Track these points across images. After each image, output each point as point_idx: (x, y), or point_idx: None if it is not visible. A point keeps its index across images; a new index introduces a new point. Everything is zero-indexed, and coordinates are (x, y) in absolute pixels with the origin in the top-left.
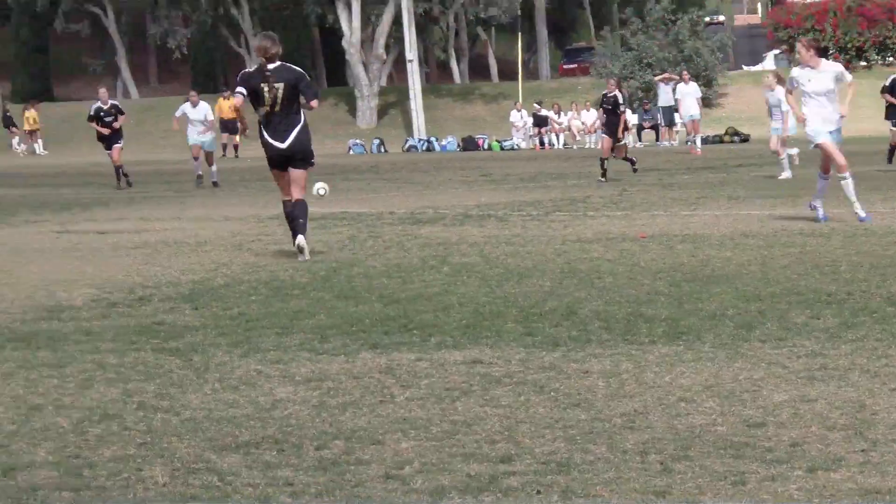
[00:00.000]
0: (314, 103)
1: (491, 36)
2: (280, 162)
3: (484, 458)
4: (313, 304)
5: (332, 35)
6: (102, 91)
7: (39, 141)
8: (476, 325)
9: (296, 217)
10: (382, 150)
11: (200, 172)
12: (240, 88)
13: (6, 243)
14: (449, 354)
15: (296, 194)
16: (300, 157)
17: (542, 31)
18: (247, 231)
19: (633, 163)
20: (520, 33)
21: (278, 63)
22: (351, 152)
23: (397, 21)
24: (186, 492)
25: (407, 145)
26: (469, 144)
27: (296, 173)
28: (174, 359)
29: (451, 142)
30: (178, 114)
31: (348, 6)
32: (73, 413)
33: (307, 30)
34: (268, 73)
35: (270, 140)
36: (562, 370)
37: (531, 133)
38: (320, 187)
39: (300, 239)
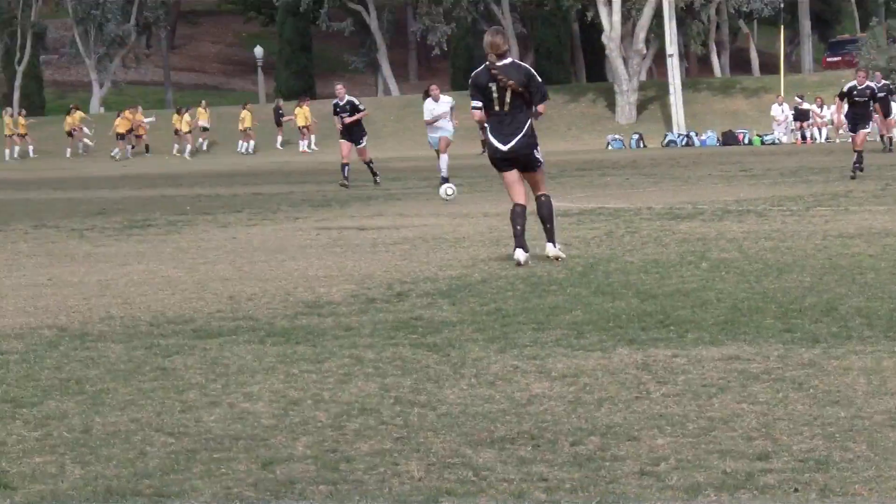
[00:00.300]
0: (542, 108)
1: (753, 29)
2: (503, 165)
3: (740, 455)
4: (570, 299)
5: (592, 30)
6: (339, 87)
7: (311, 137)
8: (734, 321)
9: (543, 219)
10: (641, 145)
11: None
12: (474, 102)
13: (268, 240)
14: (706, 350)
15: (541, 190)
16: (524, 160)
17: (806, 24)
18: (504, 227)
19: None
20: (782, 26)
21: (508, 60)
22: (609, 147)
23: (657, 15)
24: (441, 486)
25: (666, 140)
26: (729, 139)
27: (532, 177)
28: (431, 354)
29: (710, 136)
30: (428, 117)
31: (609, 1)
32: (331, 407)
33: (567, 25)
34: (495, 71)
35: (494, 141)
36: (821, 367)
37: (793, 127)
38: (448, 187)
39: (549, 248)
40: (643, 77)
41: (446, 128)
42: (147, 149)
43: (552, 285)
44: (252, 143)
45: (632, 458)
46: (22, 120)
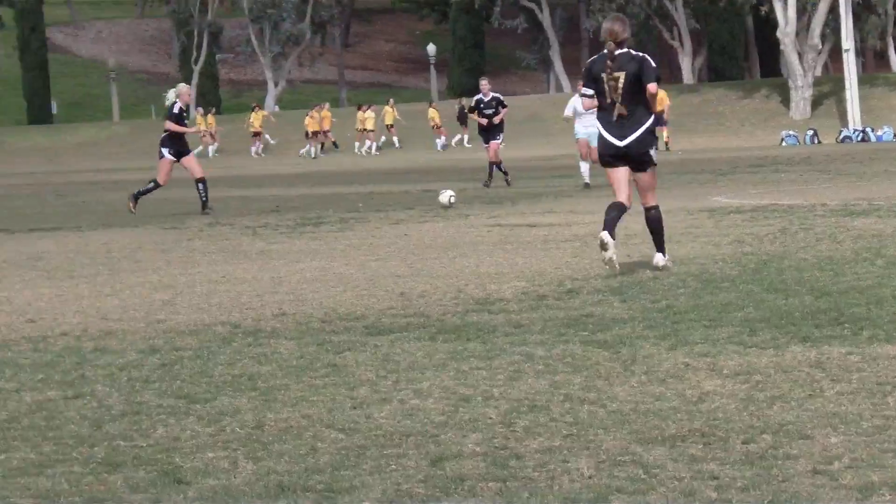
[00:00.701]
0: (651, 87)
1: None
2: (612, 161)
3: None
4: (742, 296)
5: (766, 25)
6: (484, 83)
7: (442, 137)
8: None
9: (652, 230)
10: (816, 140)
11: (587, 181)
12: (584, 90)
13: (439, 236)
14: (881, 348)
15: (649, 201)
16: (637, 159)
17: None
18: (675, 224)
19: None
20: None
21: (624, 50)
22: (783, 144)
23: (833, 10)
24: (611, 484)
25: (841, 136)
26: None
27: (643, 179)
28: (601, 351)
29: (887, 132)
30: (568, 112)
31: None
32: (501, 404)
33: (741, 20)
34: (609, 61)
35: (606, 135)
36: None
37: None
38: (451, 195)
39: (658, 258)
40: (818, 72)
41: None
42: (335, 145)
43: (724, 282)
44: (443, 138)
45: (804, 456)
46: (212, 119)
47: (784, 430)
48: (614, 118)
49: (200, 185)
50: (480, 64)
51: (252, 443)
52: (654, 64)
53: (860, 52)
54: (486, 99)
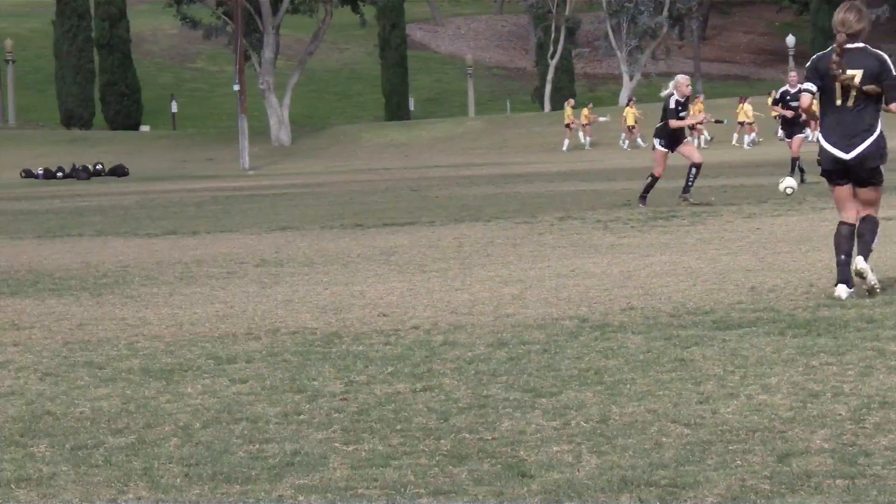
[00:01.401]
0: (894, 107)
1: None
2: (839, 175)
3: None
4: None
5: None
6: (793, 74)
7: (752, 135)
8: None
9: (861, 233)
10: None
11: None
12: (807, 85)
13: (792, 230)
14: None
15: (866, 211)
16: (866, 173)
17: None
18: None
19: None
20: None
21: (860, 45)
22: None
23: None
24: None
25: None
26: None
27: (866, 194)
28: None
29: None
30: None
31: None
32: (851, 400)
33: None
34: (837, 56)
35: (829, 147)
36: None
37: None
38: (788, 186)
39: (859, 262)
40: None
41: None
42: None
43: None
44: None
45: None
46: (586, 111)
47: None
48: (842, 122)
49: (693, 170)
50: None
51: (596, 437)
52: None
53: None
54: (792, 91)
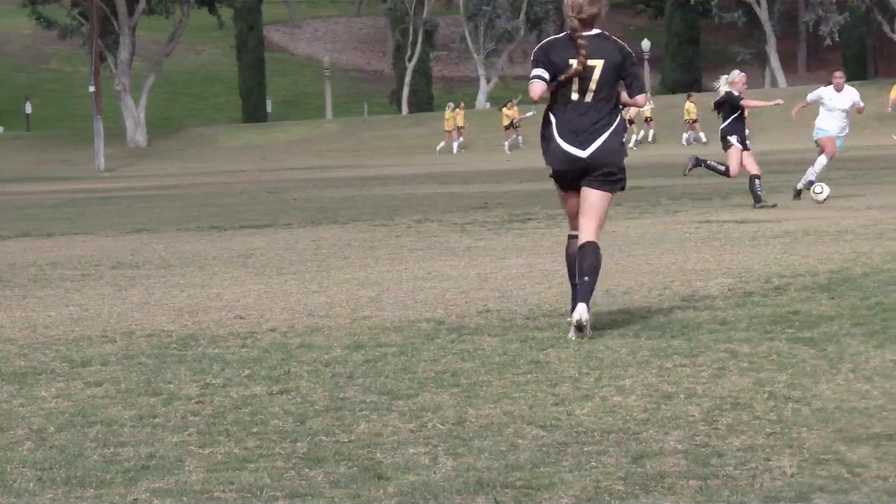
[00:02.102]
0: (641, 99)
1: None
2: (573, 176)
3: None
4: None
5: None
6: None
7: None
8: None
9: (582, 273)
10: None
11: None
12: (538, 70)
13: (647, 233)
14: None
15: (587, 231)
16: (603, 173)
17: None
18: (889, 220)
19: None
20: None
21: (597, 31)
22: None
23: None
24: (814, 483)
25: None
26: None
27: (595, 197)
28: (807, 348)
29: None
30: (811, 97)
31: None
32: (704, 402)
33: None
34: (583, 42)
35: (563, 143)
36: None
37: None
38: (822, 193)
39: (580, 310)
40: None
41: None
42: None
43: None
44: (695, 133)
45: None
46: (460, 113)
47: None
48: (577, 118)
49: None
50: (694, 59)
51: (453, 439)
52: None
53: None
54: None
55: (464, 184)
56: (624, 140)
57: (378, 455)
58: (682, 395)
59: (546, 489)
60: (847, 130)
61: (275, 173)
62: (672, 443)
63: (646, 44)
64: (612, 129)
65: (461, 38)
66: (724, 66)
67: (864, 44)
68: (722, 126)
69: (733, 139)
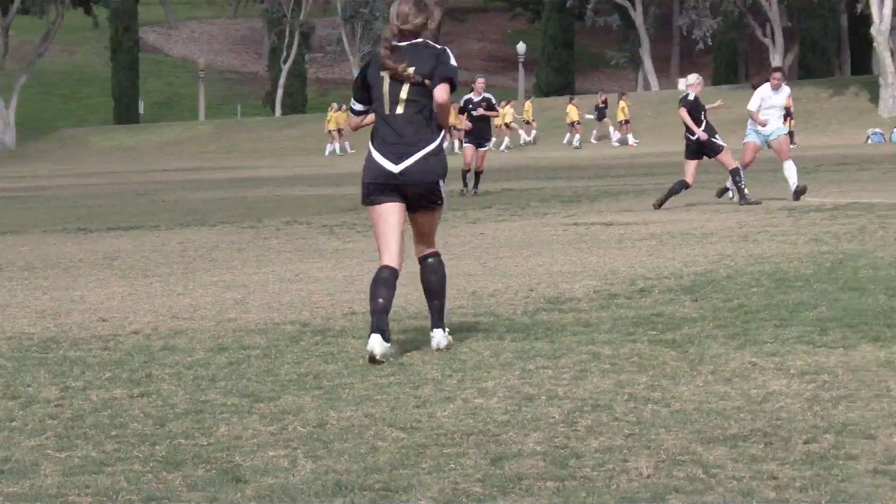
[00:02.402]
0: (439, 93)
1: None
2: (386, 194)
3: None
4: (815, 295)
5: (861, 22)
6: (480, 81)
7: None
8: None
9: (431, 293)
10: None
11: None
12: (353, 102)
13: (515, 235)
14: None
15: (425, 244)
16: (420, 191)
17: None
18: (754, 222)
19: None
20: None
21: (417, 41)
22: (869, 142)
23: None
24: (670, 483)
25: None
26: None
27: (422, 221)
28: (669, 350)
29: None
30: (755, 106)
31: None
32: (564, 403)
33: (835, 17)
34: (390, 55)
35: (377, 158)
36: None
37: None
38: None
39: (438, 336)
40: None
41: (780, 126)
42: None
43: (798, 281)
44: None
45: (866, 456)
46: (342, 115)
47: (847, 430)
48: (391, 132)
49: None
50: (569, 63)
51: (313, 441)
52: (454, 63)
53: None
54: (476, 99)
55: (335, 186)
56: (440, 153)
57: (237, 458)
58: (543, 397)
59: (404, 491)
60: (781, 124)
61: (146, 175)
62: (531, 444)
63: (521, 47)
64: (429, 146)
65: (337, 40)
66: (599, 69)
67: (736, 48)
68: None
69: (719, 139)
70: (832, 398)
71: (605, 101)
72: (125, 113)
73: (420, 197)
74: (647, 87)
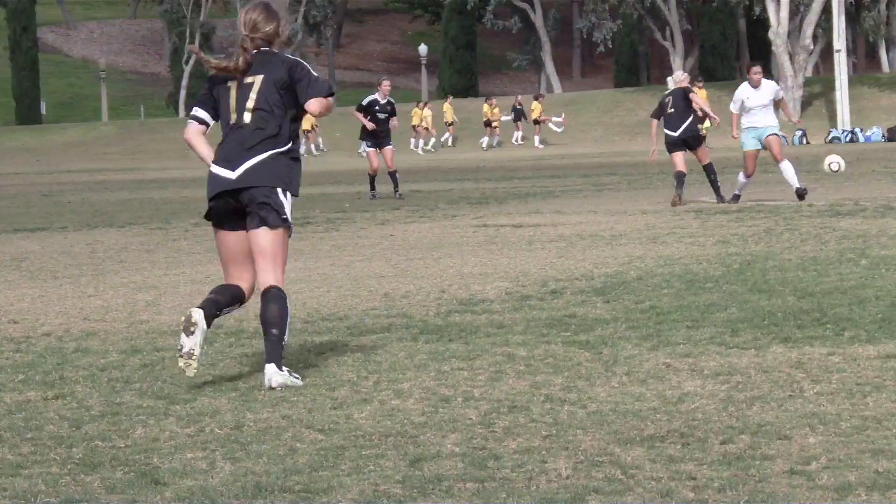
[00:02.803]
0: (314, 105)
1: None
2: (223, 210)
3: (894, 454)
4: (726, 297)
5: (759, 26)
6: (386, 84)
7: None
8: (893, 318)
9: (267, 323)
10: (804, 141)
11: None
12: (194, 110)
13: (425, 237)
14: (862, 349)
15: (266, 275)
16: (256, 199)
17: None
18: (662, 224)
19: None
20: None
21: (265, 50)
22: None
23: (826, 10)
24: (589, 484)
25: (830, 137)
26: (895, 135)
27: (260, 238)
28: (583, 352)
29: (875, 133)
30: (735, 108)
31: None
32: (481, 405)
33: (733, 21)
34: (242, 63)
35: (215, 170)
36: None
37: None
38: (832, 163)
39: (270, 372)
40: (808, 73)
41: (770, 122)
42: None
43: (708, 283)
44: (496, 137)
45: (782, 457)
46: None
47: (762, 431)
48: (233, 140)
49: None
50: (471, 64)
51: (231, 443)
52: (314, 73)
53: (852, 52)
54: (381, 101)
55: None
56: (287, 162)
57: (155, 460)
58: (459, 399)
59: (324, 493)
60: (776, 123)
61: (50, 176)
62: (450, 446)
63: (423, 48)
64: (272, 151)
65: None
66: (501, 71)
67: (636, 51)
68: (686, 125)
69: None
70: (746, 399)
71: (520, 103)
72: (27, 113)
73: (258, 206)
74: (549, 89)
